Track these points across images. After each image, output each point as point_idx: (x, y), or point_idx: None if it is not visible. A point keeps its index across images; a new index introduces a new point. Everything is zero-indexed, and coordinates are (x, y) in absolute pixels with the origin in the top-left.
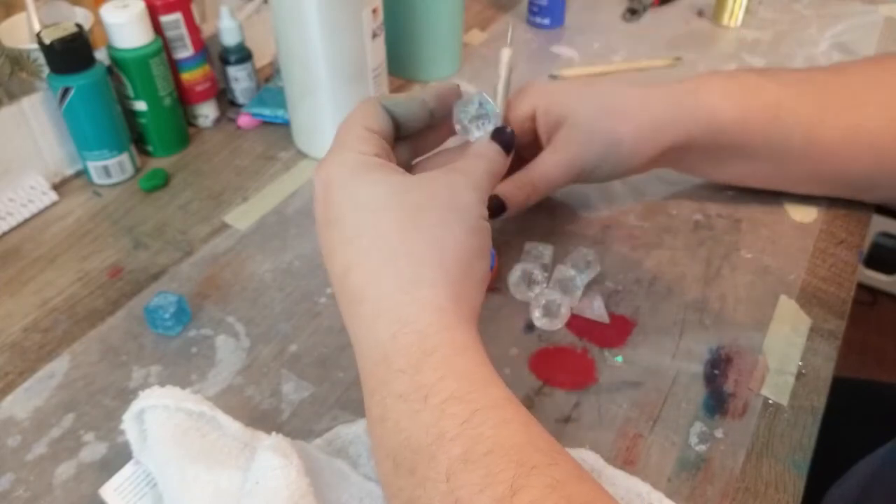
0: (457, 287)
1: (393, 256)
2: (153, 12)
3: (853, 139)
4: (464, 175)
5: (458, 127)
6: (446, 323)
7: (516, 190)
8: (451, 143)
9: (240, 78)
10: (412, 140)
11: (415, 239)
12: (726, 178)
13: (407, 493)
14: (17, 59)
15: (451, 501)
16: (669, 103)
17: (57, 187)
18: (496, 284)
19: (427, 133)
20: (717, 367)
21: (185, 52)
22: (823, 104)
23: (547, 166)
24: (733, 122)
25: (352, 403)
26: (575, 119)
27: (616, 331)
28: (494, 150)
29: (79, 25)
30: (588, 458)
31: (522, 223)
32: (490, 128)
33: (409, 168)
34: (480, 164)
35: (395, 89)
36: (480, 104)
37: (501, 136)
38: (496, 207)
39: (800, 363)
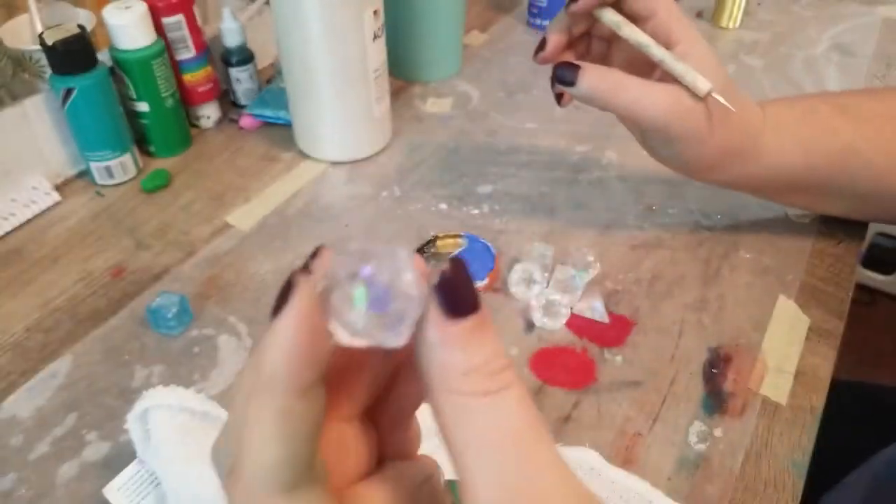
0: None
1: None
2: (155, 14)
3: None
4: None
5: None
6: None
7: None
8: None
9: (242, 79)
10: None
11: None
12: (779, 202)
13: None
14: (19, 60)
15: None
16: (745, 134)
17: (59, 188)
18: (496, 284)
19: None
20: (717, 367)
21: (187, 53)
22: (894, 149)
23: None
24: (801, 167)
25: None
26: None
27: (616, 331)
28: None
29: (81, 27)
30: (588, 457)
31: (522, 223)
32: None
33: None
34: None
35: (395, 90)
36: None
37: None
38: (565, 77)
39: (799, 363)
